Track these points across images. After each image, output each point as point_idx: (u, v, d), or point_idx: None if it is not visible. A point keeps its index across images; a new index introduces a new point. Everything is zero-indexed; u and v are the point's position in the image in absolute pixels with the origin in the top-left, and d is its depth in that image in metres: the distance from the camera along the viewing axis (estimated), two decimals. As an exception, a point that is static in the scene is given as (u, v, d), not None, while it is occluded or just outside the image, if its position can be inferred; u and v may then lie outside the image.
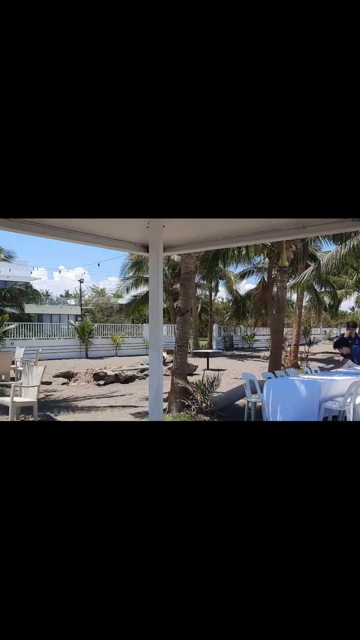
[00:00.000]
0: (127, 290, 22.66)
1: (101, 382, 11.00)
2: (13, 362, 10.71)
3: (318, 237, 14.66)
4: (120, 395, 9.50)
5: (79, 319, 25.66)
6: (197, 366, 13.55)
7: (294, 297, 18.74)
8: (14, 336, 17.22)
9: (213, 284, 23.24)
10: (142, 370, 12.39)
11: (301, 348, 17.09)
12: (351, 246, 12.32)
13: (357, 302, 22.62)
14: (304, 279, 13.13)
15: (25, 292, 21.66)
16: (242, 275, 20.82)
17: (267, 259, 14.81)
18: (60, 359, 17.36)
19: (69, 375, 11.76)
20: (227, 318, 25.27)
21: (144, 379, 11.84)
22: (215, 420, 6.55)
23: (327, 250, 14.98)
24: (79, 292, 32.08)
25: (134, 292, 22.27)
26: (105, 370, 11.61)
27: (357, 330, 7.66)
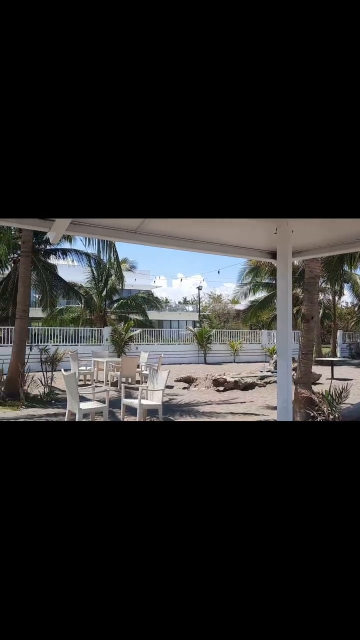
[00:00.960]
0: (245, 296, 22.57)
1: (220, 388, 11.08)
2: (138, 366, 11.39)
3: None
4: (241, 402, 9.45)
5: (197, 325, 26.32)
6: (321, 375, 12.84)
7: None
8: (138, 341, 18.34)
9: (336, 288, 21.87)
10: (262, 378, 12.17)
11: None
12: None
13: None
14: None
15: (147, 300, 22.98)
16: (370, 278, 19.23)
17: None
18: (180, 363, 17.96)
19: (189, 380, 12.09)
20: (353, 324, 23.54)
21: (264, 386, 11.61)
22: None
23: None
24: (197, 298, 32.97)
25: (251, 297, 22.11)
26: (224, 377, 11.67)
27: None
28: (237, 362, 19.35)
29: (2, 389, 9.01)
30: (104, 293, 19.22)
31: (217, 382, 11.30)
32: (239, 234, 2.95)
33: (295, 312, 17.50)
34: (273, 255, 3.10)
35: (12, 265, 14.30)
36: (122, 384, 7.55)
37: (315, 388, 8.71)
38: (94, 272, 19.05)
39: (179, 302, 44.73)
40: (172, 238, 2.77)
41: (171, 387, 11.37)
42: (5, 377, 9.49)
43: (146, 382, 9.12)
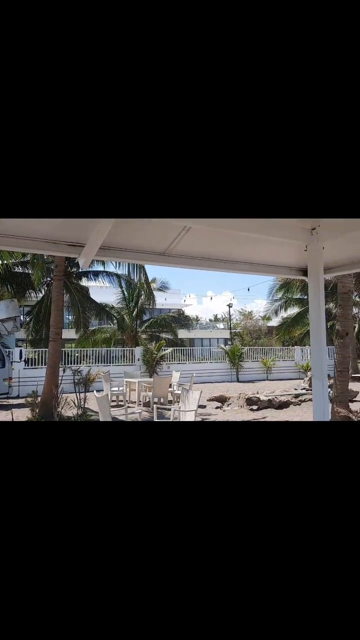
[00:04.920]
0: (276, 312, 22.30)
1: (254, 407, 10.86)
2: (170, 386, 11.35)
3: None
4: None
5: (229, 342, 26.11)
6: (358, 392, 12.39)
7: None
8: (169, 360, 18.34)
9: (371, 301, 21.25)
10: (297, 396, 11.86)
11: None
12: None
13: None
14: None
15: (177, 319, 23.07)
16: None
17: None
18: (212, 382, 17.79)
19: (222, 400, 11.93)
20: (390, 338, 22.71)
21: (299, 404, 11.30)
22: None
23: None
24: (227, 316, 32.78)
25: (283, 314, 21.81)
26: (257, 395, 11.45)
27: None
28: (270, 380, 18.98)
29: (37, 411, 9.15)
30: (135, 313, 19.42)
31: (250, 401, 11.09)
32: (269, 252, 2.92)
33: (329, 327, 17.08)
34: (304, 272, 3.04)
35: (46, 288, 14.71)
36: (155, 405, 7.51)
37: (353, 406, 8.40)
38: (125, 293, 19.32)
39: (210, 320, 44.61)
40: (202, 259, 2.76)
41: (204, 406, 11.24)
42: (39, 399, 9.64)
43: (178, 402, 9.06)
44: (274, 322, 24.48)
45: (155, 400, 10.05)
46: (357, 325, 22.74)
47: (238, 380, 18.91)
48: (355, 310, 21.24)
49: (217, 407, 11.43)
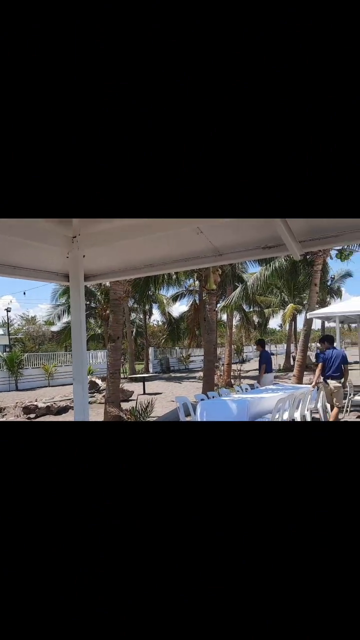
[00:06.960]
0: (59, 317, 22.08)
1: (32, 416, 10.48)
2: None
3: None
4: (53, 428, 9.09)
5: (7, 349, 24.40)
6: (133, 391, 13.40)
7: (225, 317, 19.36)
8: None
9: (146, 307, 23.32)
10: (76, 400, 12.01)
11: (234, 367, 17.55)
12: (274, 268, 13.08)
13: (282, 319, 23.85)
14: (233, 300, 13.62)
15: None
16: (175, 298, 21.16)
17: (197, 282, 15.19)
18: (-13, 393, 16.32)
19: (-4, 411, 11.08)
20: (163, 341, 25.39)
21: (78, 408, 11.48)
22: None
23: (253, 272, 15.74)
24: (6, 321, 30.61)
25: (66, 318, 21.74)
26: (35, 403, 11.08)
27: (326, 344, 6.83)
28: (52, 386, 18.62)
29: None
30: None
31: (27, 410, 10.64)
32: (32, 257, 2.90)
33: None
34: (68, 278, 3.14)
35: None
36: None
37: (127, 405, 9.04)
38: None
39: (-13, 326, 40.79)
40: None
41: (-26, 420, 10.22)
42: None
43: None
44: (58, 327, 24.18)
45: None
46: (135, 329, 24.58)
47: (17, 389, 17.88)
48: (133, 315, 22.94)
49: (-10, 420, 10.56)
